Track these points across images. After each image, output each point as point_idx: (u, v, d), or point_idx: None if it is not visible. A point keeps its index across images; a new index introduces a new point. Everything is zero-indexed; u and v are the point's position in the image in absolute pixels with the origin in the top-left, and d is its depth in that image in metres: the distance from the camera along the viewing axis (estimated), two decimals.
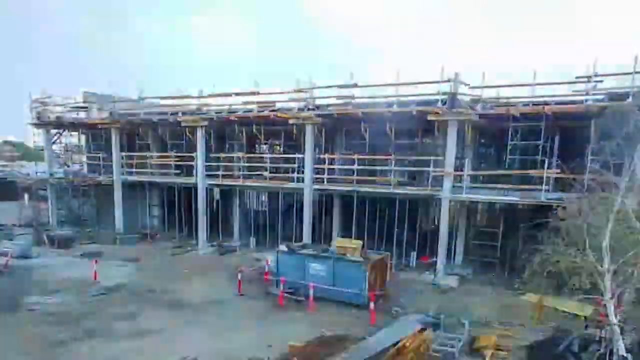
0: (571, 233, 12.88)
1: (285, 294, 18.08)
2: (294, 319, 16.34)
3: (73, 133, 34.24)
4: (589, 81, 18.51)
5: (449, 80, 19.83)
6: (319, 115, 23.23)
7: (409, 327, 14.96)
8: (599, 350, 12.52)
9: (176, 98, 27.88)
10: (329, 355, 12.63)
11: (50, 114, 31.79)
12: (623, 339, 12.08)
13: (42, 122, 31.77)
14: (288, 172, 25.85)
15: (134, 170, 30.06)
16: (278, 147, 30.77)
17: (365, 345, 13.58)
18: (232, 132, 27.49)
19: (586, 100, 18.49)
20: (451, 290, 20.04)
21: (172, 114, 27.67)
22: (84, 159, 34.45)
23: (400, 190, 22.21)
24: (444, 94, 20.13)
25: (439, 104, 20.26)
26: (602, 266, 12.15)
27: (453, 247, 22.62)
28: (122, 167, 30.13)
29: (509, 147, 21.05)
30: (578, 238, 12.68)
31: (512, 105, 19.89)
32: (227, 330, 15.13)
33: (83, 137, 34.49)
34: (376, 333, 14.75)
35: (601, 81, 18.61)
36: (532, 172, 20.16)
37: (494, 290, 19.86)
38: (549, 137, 20.69)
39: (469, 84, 20.31)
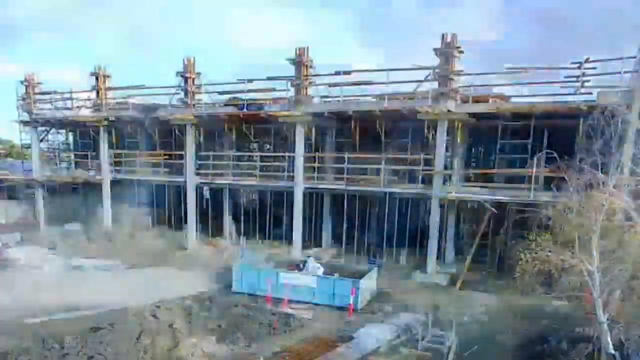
0: (561, 231, 12.93)
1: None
2: None
3: (61, 131, 33.75)
4: (577, 80, 18.57)
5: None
6: (309, 114, 23.09)
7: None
8: (587, 348, 12.61)
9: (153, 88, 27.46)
10: (320, 354, 12.57)
11: (37, 110, 31.25)
12: (611, 336, 12.16)
13: (29, 120, 31.26)
14: (278, 171, 25.74)
15: (122, 168, 29.69)
16: (268, 146, 30.57)
17: (357, 344, 13.54)
18: (222, 130, 27.27)
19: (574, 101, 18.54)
20: (441, 288, 20.02)
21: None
22: (72, 156, 33.86)
23: (390, 189, 22.14)
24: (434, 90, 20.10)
25: (429, 101, 20.22)
26: (591, 264, 12.21)
27: (443, 246, 22.60)
28: (111, 165, 29.72)
29: (498, 146, 21.11)
30: (567, 236, 12.73)
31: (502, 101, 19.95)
32: None
33: (71, 135, 33.97)
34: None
35: (588, 80, 18.69)
36: (521, 171, 20.17)
37: (484, 289, 19.82)
38: (538, 136, 20.73)
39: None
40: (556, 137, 21.23)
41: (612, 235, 12.64)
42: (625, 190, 13.36)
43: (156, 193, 29.79)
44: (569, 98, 18.93)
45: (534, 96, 19.72)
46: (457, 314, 16.10)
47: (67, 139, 34.18)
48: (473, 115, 20.62)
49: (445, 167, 21.23)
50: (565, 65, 18.65)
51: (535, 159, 19.54)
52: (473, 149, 26.99)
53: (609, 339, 12.12)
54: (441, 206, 21.22)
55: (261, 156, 27.33)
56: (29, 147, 32.77)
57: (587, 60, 18.30)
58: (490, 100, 21.22)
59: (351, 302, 16.70)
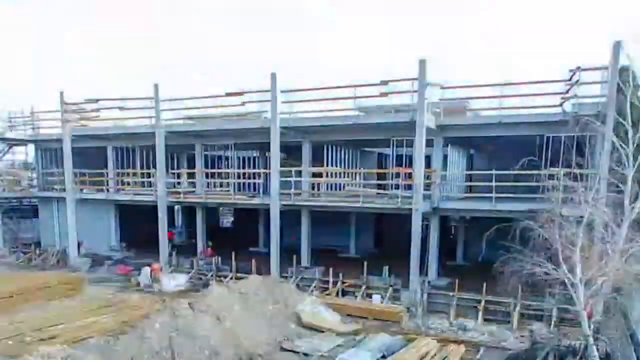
0: (543, 244, 12.89)
1: None
2: None
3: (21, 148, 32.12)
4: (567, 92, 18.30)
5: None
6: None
7: None
8: None
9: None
10: None
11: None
12: (597, 349, 12.13)
13: None
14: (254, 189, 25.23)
15: (87, 187, 28.21)
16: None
17: None
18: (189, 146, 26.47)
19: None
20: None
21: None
22: (35, 176, 32.03)
23: (369, 205, 21.49)
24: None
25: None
26: (574, 277, 12.23)
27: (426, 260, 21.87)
28: (76, 184, 28.06)
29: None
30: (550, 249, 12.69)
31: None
32: None
33: (32, 153, 32.25)
34: None
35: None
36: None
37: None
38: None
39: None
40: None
41: (594, 247, 12.75)
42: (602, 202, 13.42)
43: (127, 213, 28.43)
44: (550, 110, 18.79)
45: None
46: None
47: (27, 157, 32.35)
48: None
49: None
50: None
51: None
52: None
53: (595, 352, 12.09)
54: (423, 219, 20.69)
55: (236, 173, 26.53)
56: None
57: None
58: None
59: None
